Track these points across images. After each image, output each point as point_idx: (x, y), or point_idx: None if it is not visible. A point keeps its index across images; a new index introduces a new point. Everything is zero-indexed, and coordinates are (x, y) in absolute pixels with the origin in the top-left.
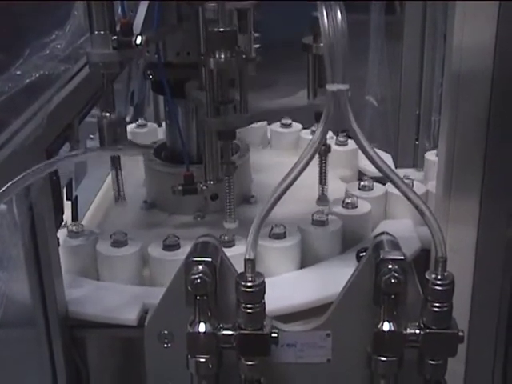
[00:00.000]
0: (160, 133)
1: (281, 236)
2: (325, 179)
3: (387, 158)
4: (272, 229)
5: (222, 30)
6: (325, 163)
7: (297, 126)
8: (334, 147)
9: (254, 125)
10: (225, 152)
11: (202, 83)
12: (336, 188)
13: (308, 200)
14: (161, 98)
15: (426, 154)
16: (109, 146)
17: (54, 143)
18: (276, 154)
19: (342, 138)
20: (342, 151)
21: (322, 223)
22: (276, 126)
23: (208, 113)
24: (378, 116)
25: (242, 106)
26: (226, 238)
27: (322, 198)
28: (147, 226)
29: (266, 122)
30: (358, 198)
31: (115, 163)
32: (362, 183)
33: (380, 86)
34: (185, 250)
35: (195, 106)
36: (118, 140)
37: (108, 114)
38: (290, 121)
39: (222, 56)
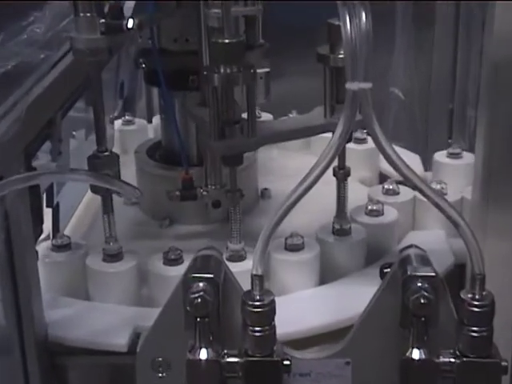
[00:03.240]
0: (150, 130)
1: (298, 248)
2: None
3: (415, 160)
4: (287, 239)
5: (227, 41)
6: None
7: None
8: (351, 145)
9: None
10: (231, 179)
11: (205, 98)
12: (355, 192)
13: (327, 208)
14: (155, 91)
15: (435, 155)
16: (96, 174)
17: (33, 142)
18: (285, 155)
19: (360, 135)
20: (361, 150)
21: (344, 232)
22: None
23: (212, 134)
24: (405, 111)
25: (249, 127)
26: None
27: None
28: (140, 236)
29: (270, 115)
30: (383, 203)
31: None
32: (386, 186)
33: (407, 77)
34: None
35: (196, 125)
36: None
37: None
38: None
39: (228, 71)
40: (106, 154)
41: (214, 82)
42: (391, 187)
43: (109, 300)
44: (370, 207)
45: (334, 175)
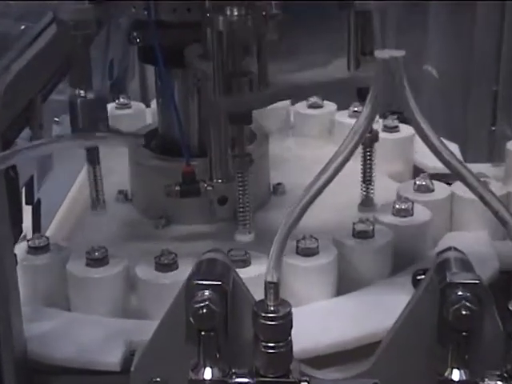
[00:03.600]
0: (148, 115)
1: (312, 252)
2: (370, 177)
3: (453, 150)
4: (300, 242)
5: None
6: (370, 156)
7: (329, 106)
8: (381, 135)
9: (273, 105)
10: (237, 141)
11: (208, 49)
12: (384, 189)
13: (347, 205)
14: (150, 70)
15: (508, 144)
16: (85, 134)
17: (10, 127)
18: (302, 143)
19: (391, 123)
20: (392, 140)
21: (366, 235)
22: (302, 107)
23: (216, 89)
24: (440, 93)
25: (260, 80)
26: (239, 254)
27: (366, 202)
28: (133, 238)
29: (288, 101)
30: (413, 202)
31: (92, 156)
32: (418, 182)
33: (443, 53)
34: (184, 270)
35: (198, 80)
36: (96, 126)
37: (82, 92)
38: (320, 100)
39: (235, 13)
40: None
41: (218, 26)
42: (424, 183)
43: (93, 310)
44: (397, 206)
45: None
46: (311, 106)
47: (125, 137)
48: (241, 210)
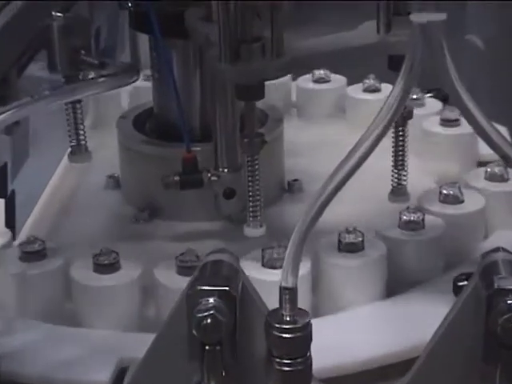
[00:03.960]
0: (140, 93)
1: (357, 247)
2: (402, 162)
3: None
4: (342, 236)
5: None
6: (403, 137)
7: (338, 79)
8: (437, 129)
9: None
10: (247, 120)
11: (212, 10)
12: (417, 176)
13: (372, 193)
14: (143, 39)
15: None
16: (68, 88)
17: None
18: (307, 125)
19: (449, 114)
20: (451, 136)
21: (416, 226)
22: (306, 82)
23: (222, 57)
24: (484, 66)
25: (273, 46)
26: (268, 252)
27: (398, 191)
28: (131, 238)
29: (288, 75)
30: (459, 187)
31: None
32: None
33: (488, 20)
34: None
35: (199, 48)
36: (78, 60)
37: (60, 14)
38: (327, 72)
39: None
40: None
41: None
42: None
43: (105, 324)
44: (445, 191)
45: None
46: (317, 81)
47: (116, 78)
48: (251, 199)
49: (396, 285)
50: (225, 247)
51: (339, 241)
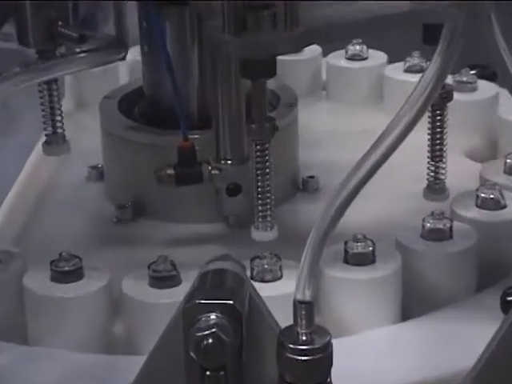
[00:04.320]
0: (123, 72)
1: (367, 259)
2: (441, 152)
3: None
4: (348, 245)
5: None
6: (441, 122)
7: (377, 56)
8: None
9: (297, 55)
10: (255, 101)
11: None
12: (459, 170)
13: (407, 191)
14: (131, 6)
15: None
16: (48, 65)
17: None
18: (339, 110)
19: (466, 79)
20: (469, 102)
21: (441, 235)
22: (338, 58)
23: (226, 27)
24: None
25: (287, 16)
26: (257, 262)
27: (436, 188)
28: (112, 241)
29: (318, 50)
30: (502, 189)
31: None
32: (510, 161)
33: None
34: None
35: (198, 17)
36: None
37: None
38: (364, 48)
39: None
40: None
41: None
42: None
43: (61, 343)
44: (483, 194)
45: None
46: (351, 58)
47: (100, 53)
48: (259, 197)
49: (417, 306)
50: (228, 253)
51: (345, 251)
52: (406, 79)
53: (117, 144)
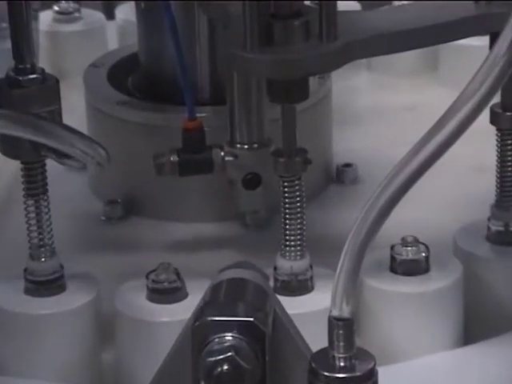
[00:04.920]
0: (111, 33)
1: (418, 267)
2: None
3: None
4: (396, 250)
5: None
6: None
7: None
8: None
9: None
10: (284, 131)
11: None
12: None
13: (465, 185)
14: None
15: None
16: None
17: None
18: (383, 83)
19: None
20: None
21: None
22: None
23: (246, 39)
24: None
25: (323, 26)
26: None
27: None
28: (100, 245)
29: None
30: None
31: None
32: None
33: None
34: (195, 299)
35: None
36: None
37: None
38: None
39: None
40: (34, 76)
41: None
42: None
43: (35, 371)
44: None
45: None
46: None
47: (83, 143)
48: (286, 242)
49: (483, 326)
50: (247, 260)
51: (392, 257)
52: (467, 44)
53: (105, 124)
